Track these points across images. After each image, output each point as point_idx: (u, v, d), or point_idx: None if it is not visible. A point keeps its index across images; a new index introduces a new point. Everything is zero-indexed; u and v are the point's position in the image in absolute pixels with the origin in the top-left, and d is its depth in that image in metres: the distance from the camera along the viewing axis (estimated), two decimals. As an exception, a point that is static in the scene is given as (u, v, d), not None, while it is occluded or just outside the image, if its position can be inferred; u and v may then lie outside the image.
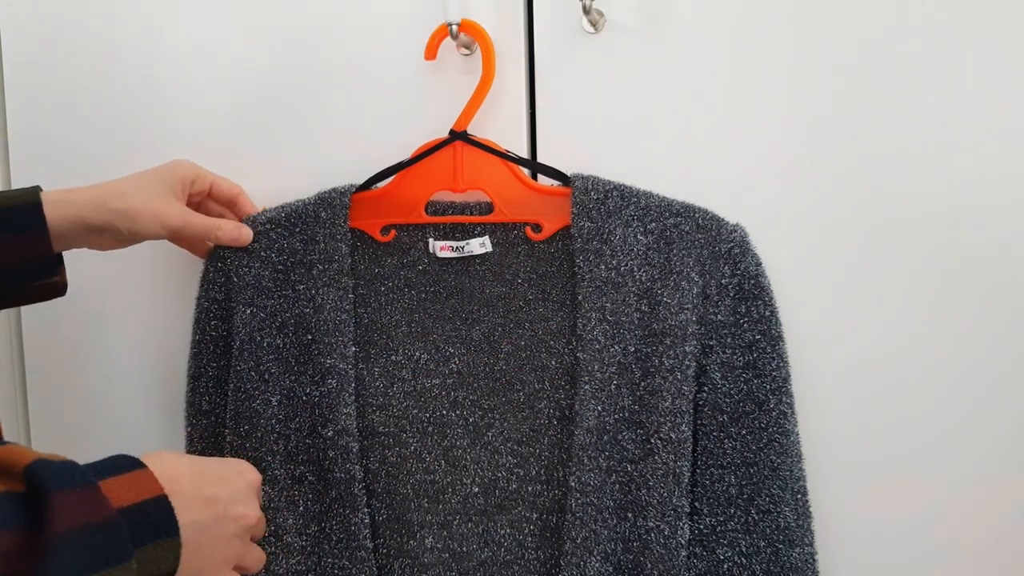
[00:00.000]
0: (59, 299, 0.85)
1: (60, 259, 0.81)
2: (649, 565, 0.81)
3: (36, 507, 0.49)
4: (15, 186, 1.00)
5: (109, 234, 0.83)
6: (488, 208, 0.87)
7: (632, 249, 0.83)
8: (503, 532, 0.85)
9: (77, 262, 0.87)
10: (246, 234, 0.87)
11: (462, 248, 0.87)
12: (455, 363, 0.87)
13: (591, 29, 0.87)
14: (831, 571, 0.86)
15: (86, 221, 0.80)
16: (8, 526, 0.48)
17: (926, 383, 0.84)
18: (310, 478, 0.86)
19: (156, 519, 0.57)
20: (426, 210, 0.87)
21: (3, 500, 0.49)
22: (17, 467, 0.51)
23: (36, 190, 0.79)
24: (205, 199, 0.91)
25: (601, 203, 0.83)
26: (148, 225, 0.82)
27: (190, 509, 0.61)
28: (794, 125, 0.84)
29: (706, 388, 0.82)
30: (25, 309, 1.01)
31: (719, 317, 0.82)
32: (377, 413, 0.87)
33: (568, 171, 0.86)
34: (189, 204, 0.88)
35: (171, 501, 0.58)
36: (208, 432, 0.90)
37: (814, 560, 0.82)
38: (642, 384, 0.82)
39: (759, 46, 0.84)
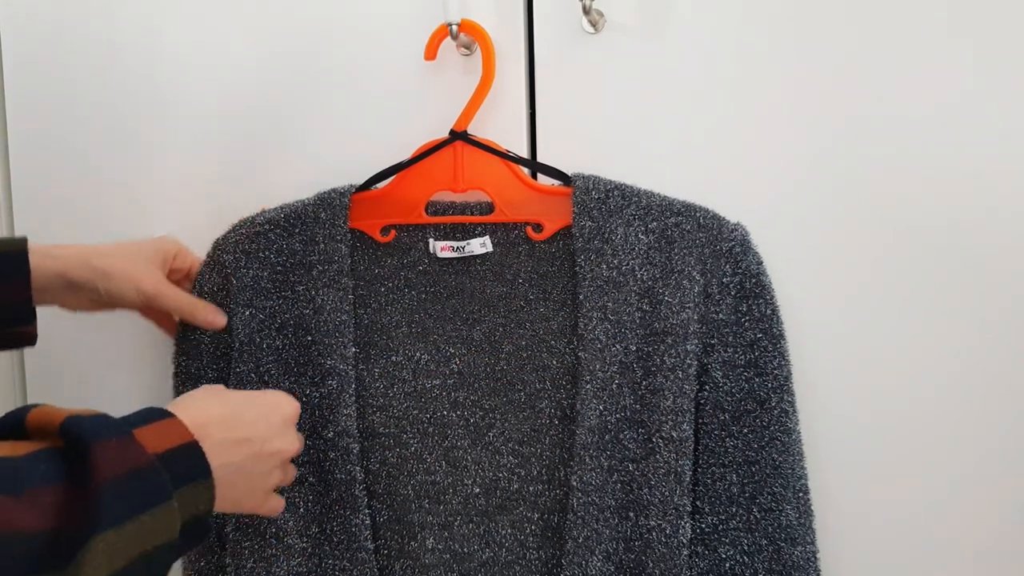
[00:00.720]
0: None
1: (34, 310, 0.82)
2: (651, 564, 0.80)
3: (77, 460, 0.51)
4: (15, 186, 1.00)
5: (86, 292, 0.84)
6: (488, 208, 0.87)
7: (633, 248, 0.83)
8: (504, 532, 0.85)
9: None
10: (222, 320, 0.87)
11: (463, 248, 0.87)
12: (456, 363, 0.87)
13: (591, 29, 0.87)
14: (833, 569, 0.86)
15: (67, 276, 0.82)
16: (54, 480, 0.50)
17: (927, 382, 0.84)
18: (311, 479, 0.85)
19: (188, 463, 0.60)
20: (426, 210, 0.87)
21: (45, 456, 0.51)
22: (52, 425, 0.53)
23: (23, 241, 0.80)
24: (183, 279, 0.91)
25: (602, 202, 0.83)
26: (124, 288, 0.83)
27: (221, 453, 0.64)
28: (794, 125, 0.85)
29: (707, 387, 0.82)
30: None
31: (720, 316, 0.82)
32: (377, 414, 0.87)
33: (568, 171, 0.86)
34: (168, 279, 0.87)
35: (202, 446, 0.61)
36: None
37: (816, 558, 0.82)
38: (644, 383, 0.82)
39: (759, 46, 0.85)
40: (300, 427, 0.85)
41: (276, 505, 0.75)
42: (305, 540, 0.85)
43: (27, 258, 0.79)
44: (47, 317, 0.84)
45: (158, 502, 0.55)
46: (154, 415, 0.61)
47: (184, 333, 0.89)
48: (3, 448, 0.51)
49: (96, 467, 0.51)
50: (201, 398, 0.68)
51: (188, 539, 0.59)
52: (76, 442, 0.52)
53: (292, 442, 0.74)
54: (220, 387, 0.72)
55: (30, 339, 0.82)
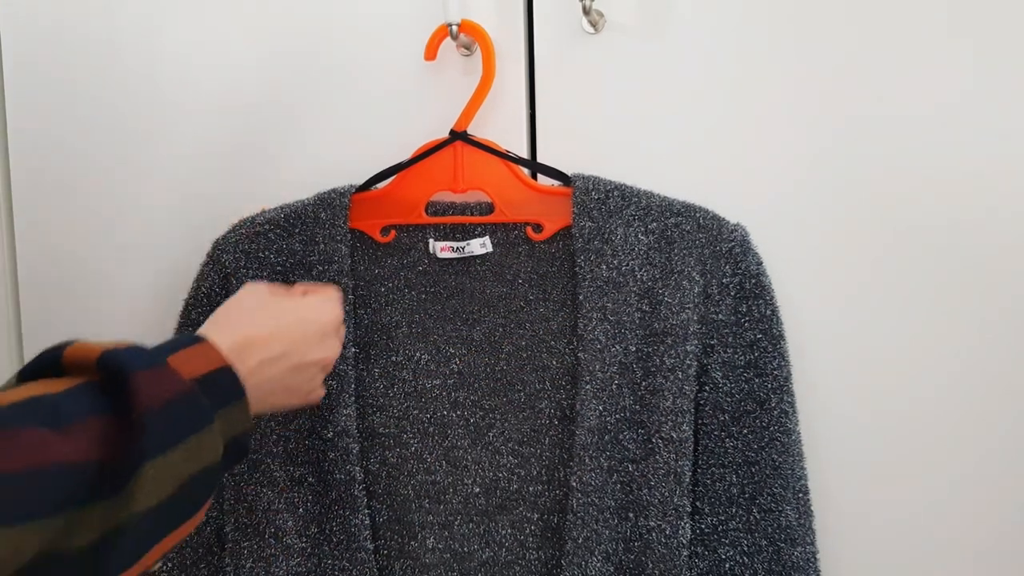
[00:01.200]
0: (57, 298, 0.84)
1: None
2: (651, 565, 0.80)
3: (116, 392, 0.53)
4: (15, 186, 1.00)
5: None
6: (488, 208, 0.87)
7: (633, 249, 0.83)
8: (504, 532, 0.85)
9: (75, 259, 0.87)
10: None
11: (462, 248, 0.87)
12: (456, 363, 0.87)
13: (591, 29, 0.87)
14: (833, 570, 0.86)
15: None
16: (100, 412, 0.52)
17: (927, 382, 0.84)
18: (310, 479, 0.85)
19: (224, 387, 0.61)
20: (426, 210, 0.87)
21: (87, 390, 0.53)
22: (89, 359, 0.54)
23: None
24: None
25: (602, 203, 0.83)
26: None
27: (258, 372, 0.66)
28: (794, 124, 0.84)
29: (707, 387, 0.82)
30: (24, 306, 1.01)
31: (720, 316, 0.82)
32: (377, 414, 0.87)
33: (568, 171, 0.86)
34: None
35: (236, 369, 0.62)
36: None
37: (816, 559, 0.82)
38: (643, 384, 0.82)
39: (759, 46, 0.85)
40: (299, 428, 0.86)
41: (319, 396, 0.77)
42: (304, 540, 0.85)
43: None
44: (46, 314, 0.84)
45: (200, 427, 0.56)
46: (187, 341, 0.61)
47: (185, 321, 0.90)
48: (42, 386, 0.52)
49: (137, 397, 0.52)
50: (237, 316, 0.69)
51: (229, 460, 0.61)
52: (115, 375, 0.53)
53: (332, 349, 0.75)
54: (261, 293, 0.72)
55: None
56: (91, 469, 0.50)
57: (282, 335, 0.70)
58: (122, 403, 0.52)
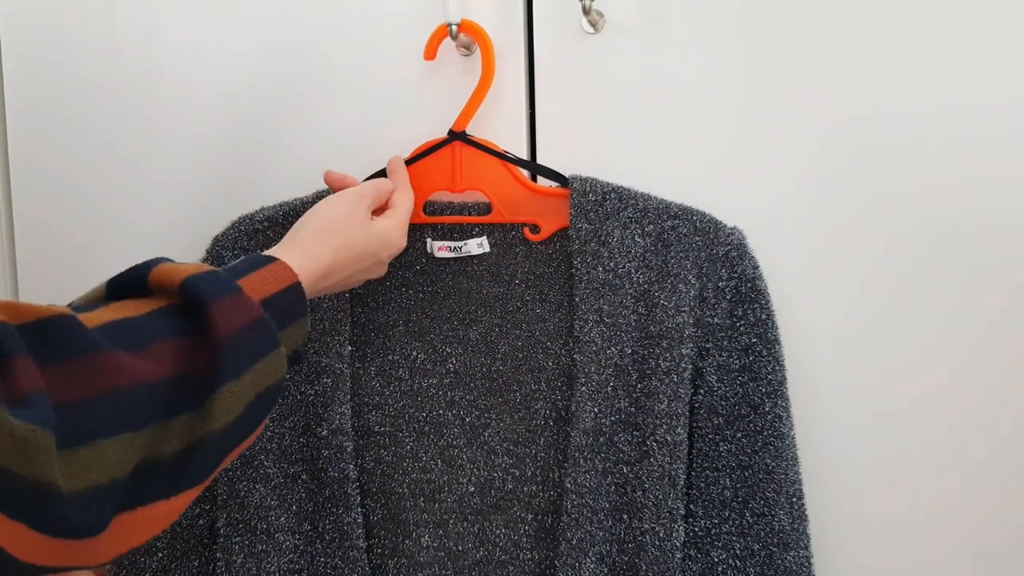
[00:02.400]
0: (57, 295, 0.85)
1: None
2: (644, 567, 0.80)
3: (195, 316, 0.57)
4: (15, 185, 1.01)
5: None
6: (486, 208, 0.87)
7: (630, 251, 0.83)
8: (499, 532, 0.85)
9: (75, 256, 0.87)
10: None
11: (460, 248, 0.87)
12: (452, 363, 0.87)
13: (591, 29, 0.87)
14: (832, 572, 0.86)
15: None
16: (180, 333, 0.56)
17: (925, 384, 0.84)
18: (304, 477, 0.86)
19: (291, 304, 0.65)
20: (424, 210, 0.87)
21: (168, 313, 0.57)
22: (173, 284, 0.58)
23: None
24: None
25: (599, 205, 0.83)
26: None
27: (321, 289, 0.73)
28: (794, 125, 0.84)
29: (702, 391, 0.82)
30: (23, 294, 1.02)
31: (716, 320, 0.82)
32: (373, 412, 0.87)
33: (568, 171, 0.86)
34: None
35: (303, 286, 0.67)
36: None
37: (809, 563, 0.82)
38: (638, 386, 0.82)
39: (759, 46, 0.84)
40: (294, 425, 0.86)
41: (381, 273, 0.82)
42: (297, 537, 0.85)
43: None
44: (44, 296, 0.84)
45: (269, 350, 0.60)
46: (260, 262, 0.66)
47: None
48: (128, 308, 0.57)
49: (215, 325, 0.56)
50: (313, 246, 0.72)
51: (288, 369, 0.65)
52: (195, 301, 0.57)
53: (382, 268, 0.81)
54: (333, 225, 0.75)
55: None
56: (170, 386, 0.54)
57: (348, 266, 0.75)
58: (200, 328, 0.57)
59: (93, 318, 0.54)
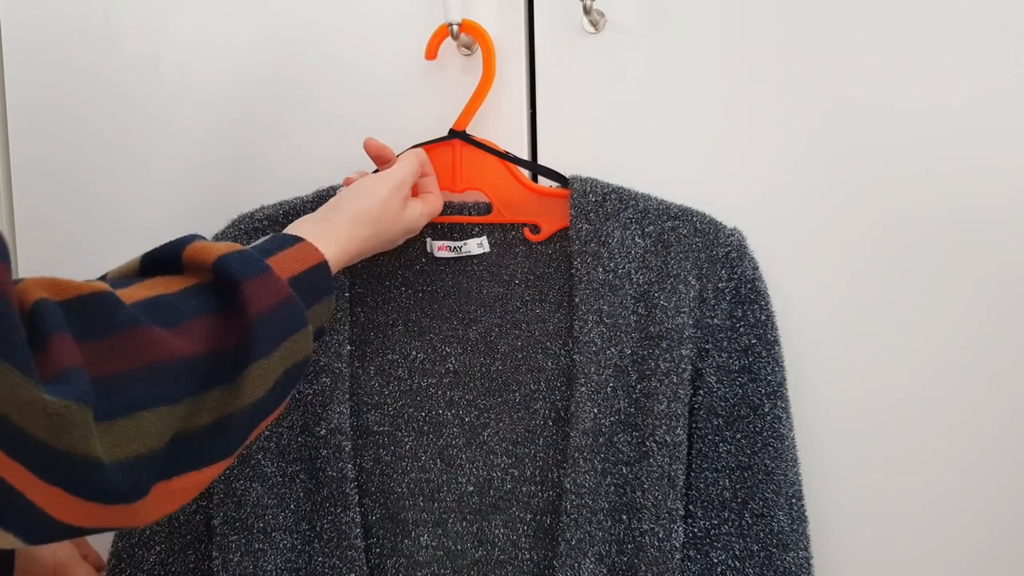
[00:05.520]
0: None
1: None
2: (643, 567, 0.80)
3: (227, 294, 0.59)
4: (15, 186, 1.01)
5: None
6: (486, 208, 0.87)
7: (630, 252, 0.82)
8: (497, 532, 0.85)
9: (76, 254, 0.87)
10: None
11: (460, 248, 0.87)
12: (451, 363, 0.87)
13: (591, 29, 0.87)
14: (829, 574, 0.86)
15: None
16: (213, 311, 0.59)
17: (923, 387, 0.84)
18: (302, 476, 0.86)
19: (317, 283, 0.67)
20: (425, 209, 0.87)
21: (200, 291, 0.60)
22: (206, 263, 0.60)
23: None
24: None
25: (599, 205, 0.83)
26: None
27: (342, 266, 0.75)
28: (794, 126, 0.84)
29: (701, 391, 0.82)
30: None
31: (715, 321, 0.82)
32: (372, 412, 0.87)
33: (568, 171, 0.86)
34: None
35: (329, 264, 0.69)
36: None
37: (809, 564, 0.82)
38: (638, 387, 0.82)
39: (759, 46, 0.84)
40: (292, 424, 0.86)
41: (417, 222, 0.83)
42: (295, 536, 0.85)
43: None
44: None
45: (297, 328, 0.62)
46: (288, 241, 0.68)
47: None
48: (161, 285, 0.59)
49: (247, 305, 0.59)
50: (345, 232, 0.74)
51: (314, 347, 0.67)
52: (227, 280, 0.59)
53: (411, 235, 0.84)
54: (369, 214, 0.77)
55: None
56: (203, 361, 0.57)
57: (375, 244, 0.78)
58: (232, 306, 0.59)
59: (130, 294, 0.56)
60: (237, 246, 0.63)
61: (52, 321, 0.50)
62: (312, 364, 0.86)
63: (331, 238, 0.72)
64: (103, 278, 0.62)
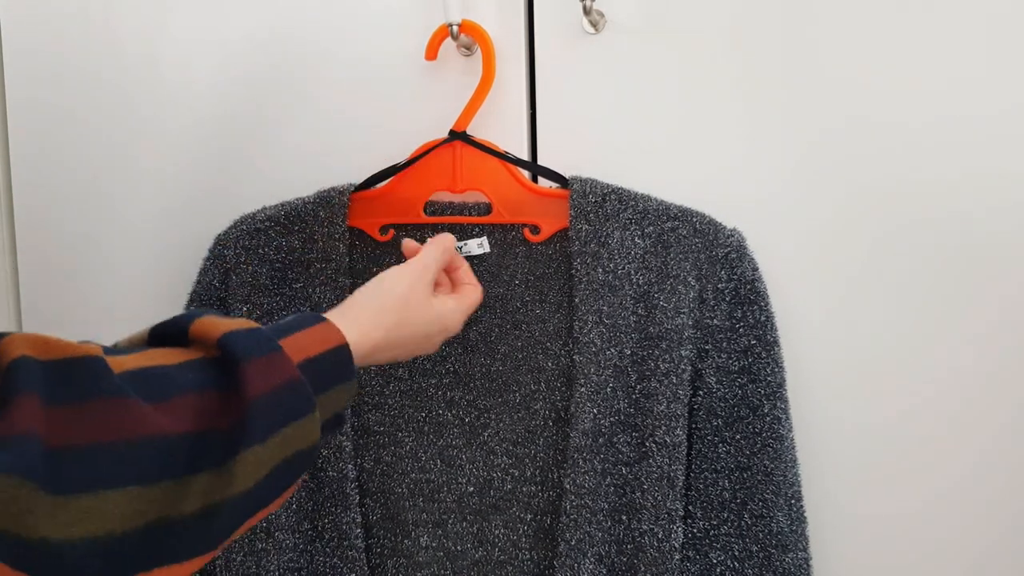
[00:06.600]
0: (58, 292, 0.84)
1: None
2: (643, 568, 0.81)
3: (229, 371, 0.55)
4: (15, 186, 1.01)
5: None
6: (487, 209, 0.87)
7: (629, 252, 0.83)
8: (497, 532, 0.86)
9: (76, 252, 0.87)
10: None
11: (460, 249, 0.87)
12: (452, 363, 0.87)
13: (591, 30, 0.86)
14: (828, 575, 0.86)
15: None
16: (209, 387, 0.54)
17: (922, 387, 0.84)
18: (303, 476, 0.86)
19: (336, 367, 0.63)
20: (425, 210, 0.87)
21: (203, 366, 0.55)
22: (211, 338, 0.56)
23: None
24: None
25: (599, 206, 0.83)
26: None
27: (368, 361, 0.69)
28: (794, 126, 0.84)
29: (701, 392, 0.82)
30: (24, 300, 1.02)
31: (715, 321, 0.82)
32: (373, 412, 0.87)
33: (568, 171, 0.86)
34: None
35: (351, 350, 0.64)
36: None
37: (808, 565, 0.82)
38: (638, 387, 0.82)
39: (759, 46, 0.84)
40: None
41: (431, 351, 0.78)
42: (297, 536, 0.86)
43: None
44: (47, 316, 0.84)
45: (302, 415, 0.58)
46: (310, 321, 0.63)
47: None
48: (160, 356, 0.55)
49: (246, 385, 0.54)
50: (368, 318, 0.69)
51: (326, 433, 0.62)
52: (230, 357, 0.55)
53: (439, 344, 0.77)
54: (392, 301, 0.72)
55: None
56: (189, 441, 0.52)
57: (406, 344, 0.73)
58: (231, 385, 0.55)
59: (123, 363, 0.52)
60: (250, 323, 0.59)
61: (25, 381, 0.47)
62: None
63: (352, 324, 0.67)
64: (114, 346, 0.58)
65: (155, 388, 0.52)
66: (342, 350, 0.63)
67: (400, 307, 0.72)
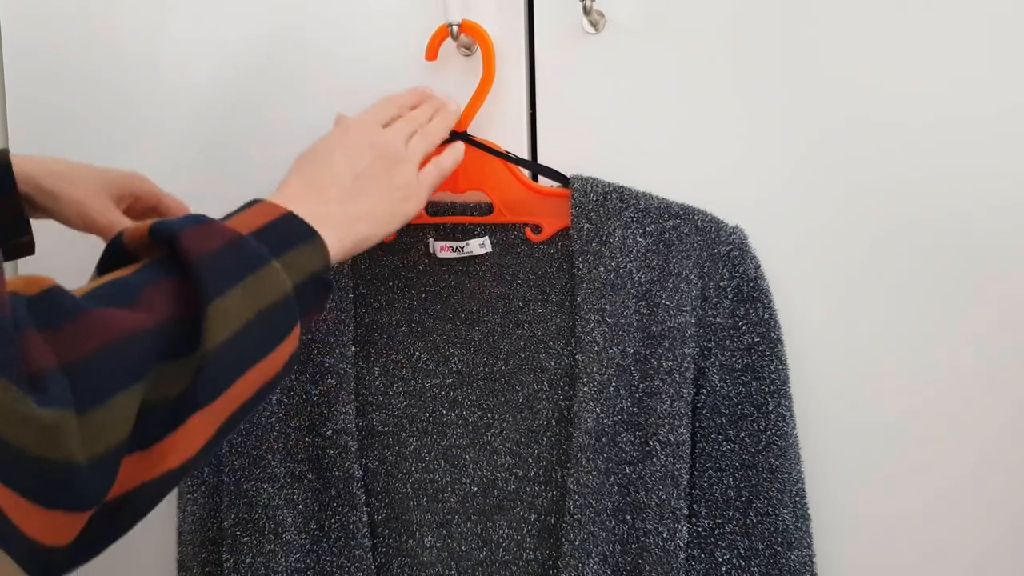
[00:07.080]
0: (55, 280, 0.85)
1: (28, 220, 0.83)
2: (647, 567, 0.81)
3: (173, 256, 0.56)
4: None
5: (41, 212, 0.84)
6: (488, 209, 0.87)
7: (631, 251, 0.83)
8: (502, 532, 0.86)
9: (76, 251, 0.86)
10: None
11: (462, 248, 0.87)
12: (455, 363, 0.88)
13: (591, 30, 0.87)
14: (830, 574, 0.86)
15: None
16: (163, 277, 0.55)
17: (922, 386, 0.84)
18: (309, 476, 0.86)
19: (288, 230, 0.63)
20: (426, 210, 0.87)
21: (152, 265, 0.56)
22: (143, 234, 0.57)
23: (5, 152, 0.80)
24: (149, 212, 0.89)
25: (600, 205, 0.83)
26: (70, 214, 0.83)
27: (341, 206, 0.70)
28: (795, 125, 0.84)
29: (704, 390, 0.82)
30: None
31: (718, 319, 0.82)
32: (377, 412, 0.87)
33: (569, 171, 0.86)
34: (128, 215, 0.87)
35: (300, 213, 0.64)
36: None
37: (812, 563, 0.82)
38: (641, 386, 0.82)
39: (759, 46, 0.84)
40: (299, 425, 0.86)
41: (419, 198, 0.77)
42: (303, 536, 0.86)
43: (11, 170, 0.79)
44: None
45: (257, 266, 0.58)
46: (244, 206, 0.64)
47: None
48: (114, 274, 0.56)
49: (186, 251, 0.55)
50: (310, 164, 0.73)
51: (309, 296, 0.63)
52: (165, 239, 0.56)
53: (392, 142, 0.76)
54: (340, 136, 0.75)
55: (29, 249, 0.84)
56: (167, 329, 0.53)
57: (351, 165, 0.73)
58: (178, 263, 0.55)
59: (80, 290, 0.54)
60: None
61: (20, 316, 0.47)
62: (318, 365, 0.86)
63: (291, 195, 0.68)
64: None
65: (120, 296, 0.53)
66: (290, 217, 0.64)
67: (340, 146, 0.75)
